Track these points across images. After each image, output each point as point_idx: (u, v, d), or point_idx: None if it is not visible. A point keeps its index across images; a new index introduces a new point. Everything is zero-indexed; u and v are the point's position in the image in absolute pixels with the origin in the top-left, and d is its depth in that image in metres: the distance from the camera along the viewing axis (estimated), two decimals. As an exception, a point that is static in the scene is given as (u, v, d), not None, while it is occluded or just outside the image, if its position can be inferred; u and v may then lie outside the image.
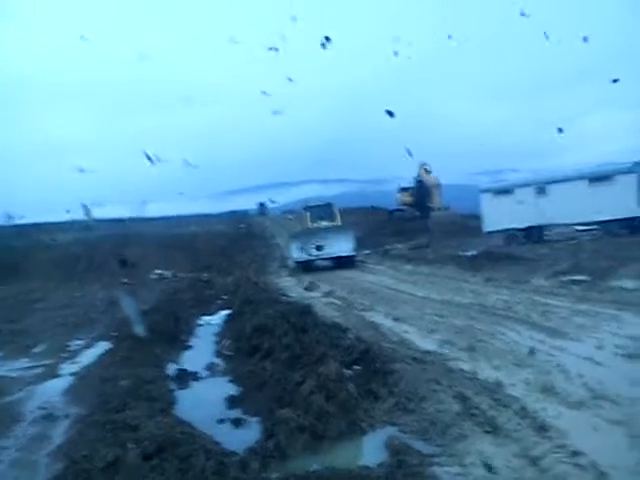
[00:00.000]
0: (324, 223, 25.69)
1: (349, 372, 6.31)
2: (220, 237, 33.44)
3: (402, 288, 14.84)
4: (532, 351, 7.18)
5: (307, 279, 19.42)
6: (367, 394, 5.86)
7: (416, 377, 6.44)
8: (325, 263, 24.63)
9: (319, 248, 23.23)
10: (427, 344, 8.18)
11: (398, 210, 41.39)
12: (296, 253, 23.63)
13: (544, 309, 9.85)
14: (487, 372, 6.48)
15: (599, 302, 10.02)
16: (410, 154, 14.80)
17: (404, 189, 42.07)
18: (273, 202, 54.19)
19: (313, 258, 23.60)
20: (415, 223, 35.67)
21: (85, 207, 34.86)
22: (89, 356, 9.45)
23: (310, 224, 25.88)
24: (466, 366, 6.79)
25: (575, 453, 4.22)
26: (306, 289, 17.14)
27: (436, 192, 38.73)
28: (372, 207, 47.66)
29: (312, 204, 27.63)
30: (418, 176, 40.52)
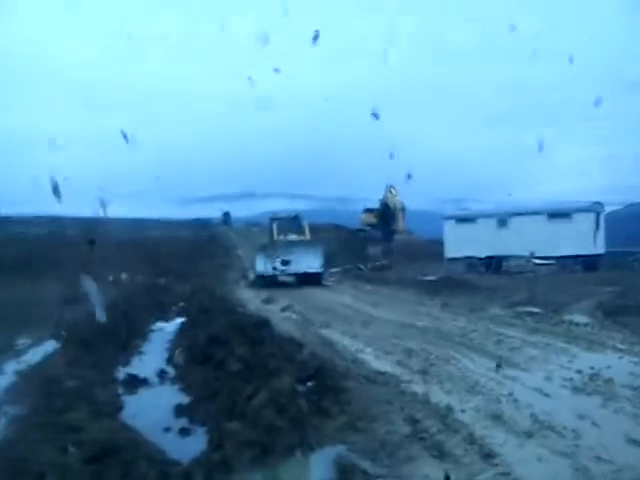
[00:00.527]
0: (292, 236, 24.37)
1: (302, 388, 6.27)
2: (181, 244, 33.08)
3: (361, 308, 14.89)
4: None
5: (266, 293, 19.33)
6: (319, 411, 5.82)
7: (368, 397, 6.44)
8: (290, 279, 23.51)
9: (285, 263, 22.19)
10: (381, 365, 8.19)
11: (361, 230, 41.69)
12: (261, 266, 22.40)
13: (498, 338, 9.99)
14: (439, 396, 6.51)
15: (551, 334, 10.22)
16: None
17: (369, 210, 42.37)
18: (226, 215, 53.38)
19: (278, 273, 22.52)
20: (378, 244, 35.97)
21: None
22: (35, 355, 9.15)
23: (277, 236, 24.44)
24: (418, 389, 6.81)
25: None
26: (264, 302, 17.06)
27: (400, 215, 39.17)
28: (335, 225, 47.90)
29: (279, 215, 26.14)
30: (384, 198, 40.96)
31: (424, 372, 7.67)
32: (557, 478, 4.41)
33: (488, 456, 4.76)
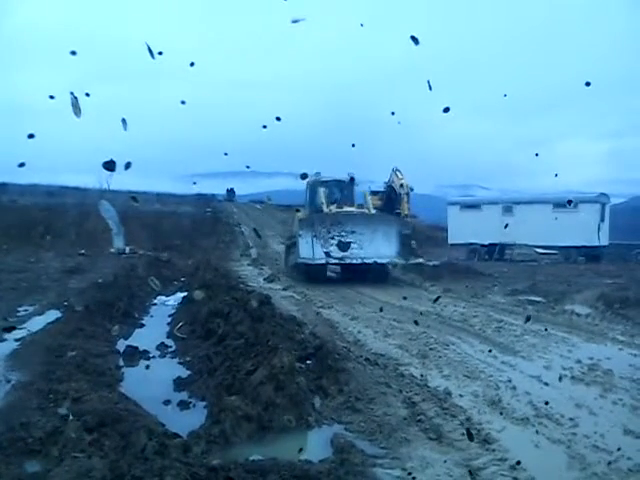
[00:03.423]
0: (348, 208, 17.15)
1: (301, 366, 6.28)
2: (184, 218, 32.98)
3: (363, 290, 14.89)
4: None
5: (268, 270, 19.40)
6: (317, 389, 5.85)
7: (367, 378, 6.46)
8: (339, 272, 17.74)
9: (343, 246, 15.53)
10: (381, 347, 8.22)
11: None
12: (306, 250, 15.42)
13: (499, 325, 10.00)
14: (437, 380, 6.54)
15: (552, 324, 10.22)
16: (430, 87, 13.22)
17: (374, 192, 42.02)
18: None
19: (333, 261, 15.87)
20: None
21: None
22: (38, 323, 9.17)
23: (326, 207, 16.89)
24: (417, 372, 6.83)
25: (514, 468, 4.28)
26: (266, 280, 17.09)
27: (405, 199, 38.82)
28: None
29: (326, 178, 18.18)
30: (389, 181, 40.56)
31: (423, 356, 7.70)
32: (553, 465, 4.43)
33: (485, 441, 4.78)
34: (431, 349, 8.12)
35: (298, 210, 18.44)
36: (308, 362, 6.46)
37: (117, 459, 3.71)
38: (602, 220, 24.67)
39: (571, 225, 23.49)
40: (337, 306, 12.15)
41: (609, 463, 4.41)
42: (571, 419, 5.38)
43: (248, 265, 22.47)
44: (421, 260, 16.72)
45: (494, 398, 5.91)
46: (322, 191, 17.44)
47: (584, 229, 23.64)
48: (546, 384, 6.52)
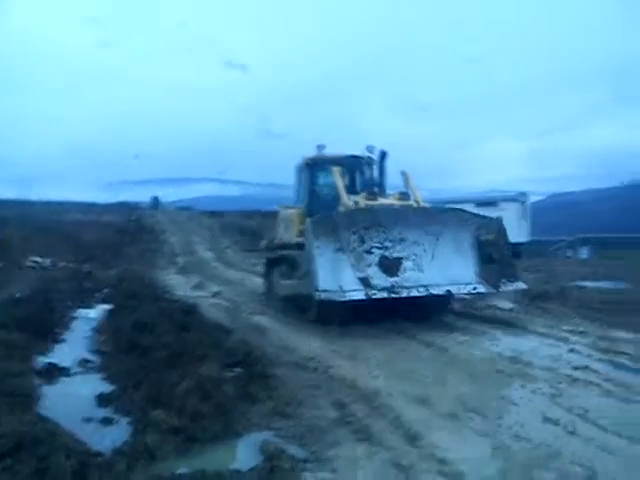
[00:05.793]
0: (384, 200, 10.65)
1: (229, 374, 6.20)
2: (107, 228, 31.94)
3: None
4: None
5: (196, 278, 19.03)
6: (246, 397, 5.78)
7: (297, 382, 6.45)
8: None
9: (390, 266, 9.17)
10: (312, 350, 8.22)
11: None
12: (326, 275, 8.69)
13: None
14: (366, 380, 6.60)
15: (476, 319, 10.57)
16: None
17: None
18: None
19: (376, 293, 8.72)
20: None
21: None
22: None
23: (347, 199, 10.30)
24: (347, 373, 6.88)
25: (443, 462, 4.38)
26: (195, 288, 16.78)
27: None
28: (264, 212, 47.45)
29: (337, 154, 12.02)
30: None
31: (352, 357, 7.77)
32: (479, 457, 4.56)
33: (414, 438, 4.87)
34: (357, 349, 8.20)
35: (289, 207, 12.72)
36: (236, 370, 6.39)
37: (32, 484, 3.52)
38: (522, 217, 25.77)
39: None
40: (267, 310, 12.06)
41: (530, 451, 4.60)
42: (494, 410, 5.58)
43: (175, 273, 22.00)
44: (523, 285, 10.04)
45: (422, 396, 6.01)
46: (337, 173, 10.75)
47: (505, 226, 24.56)
48: (471, 377, 6.73)
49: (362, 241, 9.08)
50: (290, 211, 12.42)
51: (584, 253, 31.18)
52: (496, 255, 9.83)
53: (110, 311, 11.42)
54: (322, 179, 12.01)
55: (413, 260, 9.30)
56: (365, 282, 8.79)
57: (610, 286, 15.82)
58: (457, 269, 9.42)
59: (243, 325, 10.15)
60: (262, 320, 10.91)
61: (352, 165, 11.92)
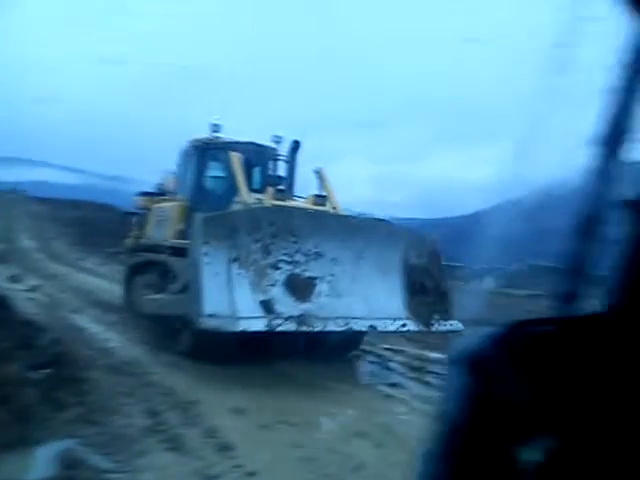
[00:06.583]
0: (292, 202, 8.73)
1: (36, 376, 5.76)
2: None
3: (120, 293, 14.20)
4: None
5: (13, 270, 17.43)
6: (52, 402, 5.40)
7: (111, 388, 6.18)
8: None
9: (300, 287, 7.00)
10: (132, 353, 7.92)
11: (134, 213, 39.55)
12: (214, 294, 6.49)
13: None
14: (183, 388, 6.50)
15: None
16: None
17: (145, 193, 40.50)
18: None
19: (281, 323, 6.51)
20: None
21: None
22: None
23: (247, 196, 8.24)
24: (165, 381, 6.71)
25: (250, 474, 4.43)
26: (9, 280, 15.36)
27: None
28: (101, 204, 44.95)
29: (235, 140, 9.73)
30: (162, 184, 39.50)
31: (174, 365, 7.60)
32: (287, 468, 4.68)
33: (225, 448, 4.87)
34: (179, 355, 8.05)
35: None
36: (43, 372, 5.95)
37: None
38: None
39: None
40: (88, 309, 11.37)
41: (339, 463, 4.81)
42: (308, 423, 5.78)
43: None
44: (459, 326, 7.70)
45: (238, 405, 6.05)
46: (236, 160, 8.64)
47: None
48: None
49: (267, 252, 6.98)
50: (167, 204, 10.24)
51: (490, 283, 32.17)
52: (429, 284, 7.94)
53: None
54: (215, 167, 9.75)
55: (329, 282, 7.18)
56: (268, 307, 6.65)
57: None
58: (382, 298, 7.47)
59: (60, 324, 9.49)
60: (82, 319, 10.30)
61: (254, 155, 9.60)
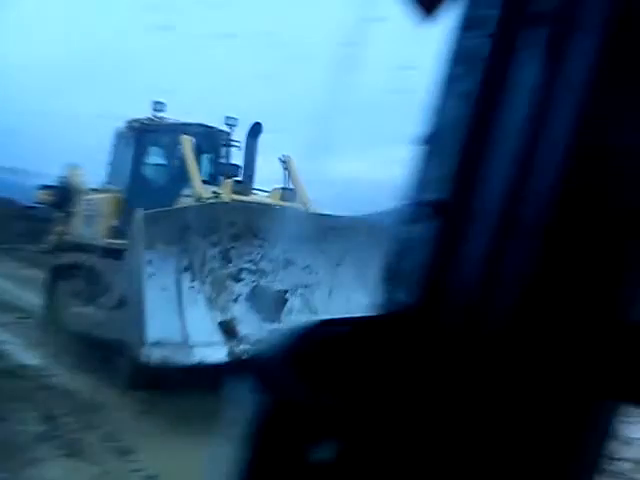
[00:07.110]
0: (255, 196, 7.08)
1: None
2: None
3: (18, 293, 13.42)
4: None
5: None
6: None
7: (3, 392, 5.81)
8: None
9: (269, 309, 5.66)
10: (29, 358, 7.48)
11: (33, 208, 37.59)
12: (160, 314, 5.22)
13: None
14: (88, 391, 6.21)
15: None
16: None
17: (46, 187, 38.60)
18: None
19: (247, 352, 5.03)
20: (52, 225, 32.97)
21: None
22: None
23: (200, 189, 6.63)
24: (67, 383, 6.38)
25: (150, 477, 4.31)
26: None
27: (79, 197, 36.65)
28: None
29: (182, 122, 8.04)
30: (65, 178, 37.79)
31: (75, 366, 7.25)
32: (189, 469, 4.56)
33: (125, 452, 4.70)
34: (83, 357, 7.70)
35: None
36: None
37: None
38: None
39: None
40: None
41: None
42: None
43: None
44: None
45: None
46: (188, 144, 7.19)
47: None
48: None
49: (226, 259, 5.76)
50: (96, 196, 8.64)
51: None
52: None
53: None
54: (156, 153, 8.31)
55: (302, 296, 6.06)
56: (228, 330, 5.44)
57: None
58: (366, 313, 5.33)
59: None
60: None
61: (203, 140, 7.84)
